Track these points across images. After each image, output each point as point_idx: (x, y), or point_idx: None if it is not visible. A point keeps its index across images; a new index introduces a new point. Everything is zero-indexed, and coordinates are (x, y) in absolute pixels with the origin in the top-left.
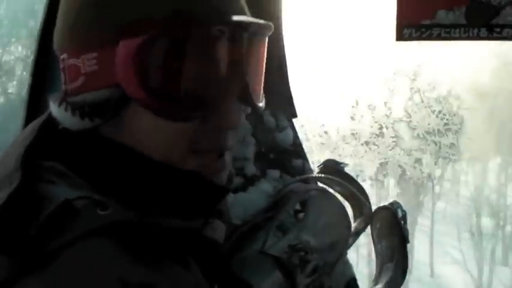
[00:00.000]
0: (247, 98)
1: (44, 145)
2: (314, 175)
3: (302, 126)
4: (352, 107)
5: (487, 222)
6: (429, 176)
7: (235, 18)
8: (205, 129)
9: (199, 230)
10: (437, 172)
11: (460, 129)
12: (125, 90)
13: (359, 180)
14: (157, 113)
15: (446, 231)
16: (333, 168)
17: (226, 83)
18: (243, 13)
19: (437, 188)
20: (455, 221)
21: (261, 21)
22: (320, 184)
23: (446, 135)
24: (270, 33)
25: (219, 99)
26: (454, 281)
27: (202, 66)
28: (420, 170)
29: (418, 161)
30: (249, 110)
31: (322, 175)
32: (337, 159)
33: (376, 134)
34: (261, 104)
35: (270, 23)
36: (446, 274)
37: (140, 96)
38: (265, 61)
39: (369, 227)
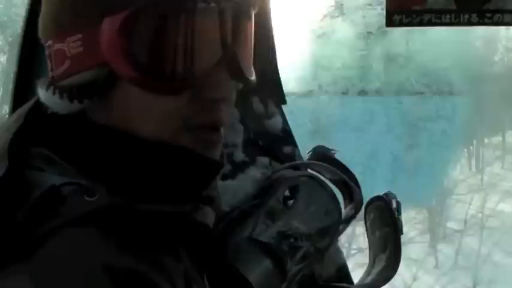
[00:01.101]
0: (236, 69)
1: (31, 131)
2: (304, 161)
3: (292, 112)
4: (343, 93)
5: None
6: None
7: None
8: (197, 104)
9: (190, 214)
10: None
11: (452, 115)
12: (111, 68)
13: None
14: (146, 88)
15: None
16: (323, 155)
17: (214, 54)
18: None
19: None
20: None
21: None
22: (310, 171)
23: (439, 121)
24: (257, 6)
25: (208, 70)
26: None
27: (188, 38)
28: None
29: (410, 147)
30: (240, 86)
31: (313, 161)
32: (329, 146)
33: (368, 121)
34: (252, 78)
35: None
36: None
37: (127, 72)
38: (253, 35)
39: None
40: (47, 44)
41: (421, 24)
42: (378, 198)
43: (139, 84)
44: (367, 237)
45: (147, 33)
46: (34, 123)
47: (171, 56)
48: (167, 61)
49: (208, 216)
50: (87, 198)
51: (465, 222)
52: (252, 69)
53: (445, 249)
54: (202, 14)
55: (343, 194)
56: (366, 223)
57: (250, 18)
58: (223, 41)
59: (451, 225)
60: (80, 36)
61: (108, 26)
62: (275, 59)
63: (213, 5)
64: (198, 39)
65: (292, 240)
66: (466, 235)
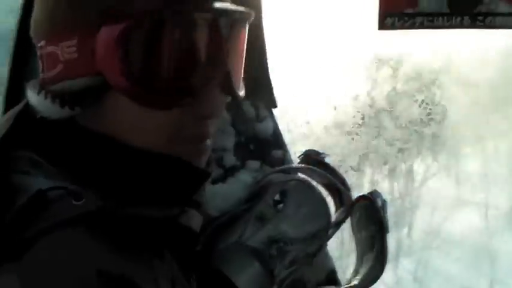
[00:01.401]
0: (228, 86)
1: (20, 135)
2: (294, 165)
3: (283, 116)
4: (335, 96)
5: None
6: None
7: (218, 5)
8: (188, 118)
9: (175, 218)
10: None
11: (443, 119)
12: (106, 79)
13: (341, 171)
14: (139, 101)
15: None
16: (314, 159)
17: (208, 71)
18: (224, 0)
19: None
20: None
21: (243, 9)
22: (301, 175)
23: (429, 125)
24: (251, 20)
25: (201, 86)
26: None
27: (184, 54)
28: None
29: (401, 151)
30: (228, 99)
31: (303, 165)
32: (320, 149)
33: (359, 124)
34: (241, 93)
35: (251, 11)
36: None
37: (122, 84)
38: (245, 49)
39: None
40: (39, 45)
41: (413, 27)
42: (363, 197)
43: (133, 96)
44: (354, 235)
45: (144, 46)
46: (23, 126)
47: (166, 70)
48: (163, 75)
49: (194, 220)
50: (74, 202)
51: (427, 234)
52: (242, 83)
53: (406, 261)
54: (198, 29)
55: (333, 198)
56: (352, 222)
57: (244, 32)
58: (218, 56)
59: (417, 235)
60: (75, 41)
61: (105, 36)
62: (266, 62)
63: (209, 20)
64: (194, 55)
65: (281, 244)
66: (429, 248)
